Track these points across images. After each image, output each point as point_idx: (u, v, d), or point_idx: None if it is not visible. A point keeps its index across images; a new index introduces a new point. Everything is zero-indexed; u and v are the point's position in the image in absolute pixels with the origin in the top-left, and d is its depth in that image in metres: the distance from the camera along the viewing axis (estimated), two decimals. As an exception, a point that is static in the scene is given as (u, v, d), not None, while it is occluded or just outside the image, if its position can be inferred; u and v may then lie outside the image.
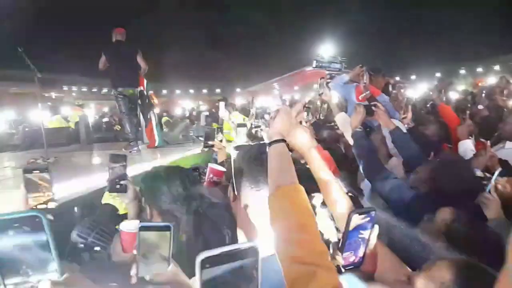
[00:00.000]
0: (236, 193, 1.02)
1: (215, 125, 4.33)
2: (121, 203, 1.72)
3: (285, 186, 0.84)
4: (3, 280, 0.66)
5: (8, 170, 4.44)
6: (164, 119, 6.72)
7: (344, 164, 2.62)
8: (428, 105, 6.11)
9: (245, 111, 8.60)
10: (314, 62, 4.68)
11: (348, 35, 25.11)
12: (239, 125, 3.36)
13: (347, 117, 2.53)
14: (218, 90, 33.49)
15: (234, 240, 1.08)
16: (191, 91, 34.19)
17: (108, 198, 1.76)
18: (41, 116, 5.14)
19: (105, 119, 11.31)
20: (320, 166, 1.07)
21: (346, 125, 2.33)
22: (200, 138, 4.82)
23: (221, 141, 2.85)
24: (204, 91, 34.02)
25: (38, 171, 1.04)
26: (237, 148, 1.10)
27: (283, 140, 0.97)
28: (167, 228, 0.80)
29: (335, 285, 0.70)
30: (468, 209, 1.45)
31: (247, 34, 41.34)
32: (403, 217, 1.54)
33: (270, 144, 0.96)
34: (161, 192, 1.33)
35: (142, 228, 0.79)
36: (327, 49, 17.52)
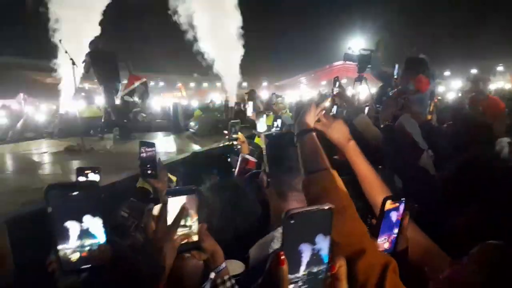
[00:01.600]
0: (269, 180, 1.05)
1: None
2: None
3: (319, 172, 0.86)
4: (57, 244, 0.72)
5: (46, 156, 4.70)
6: (196, 112, 6.85)
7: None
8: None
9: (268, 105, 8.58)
10: (345, 55, 4.57)
11: (379, 29, 24.45)
12: (259, 113, 3.39)
13: (367, 118, 2.42)
14: (244, 84, 33.62)
15: (266, 229, 1.10)
16: (218, 84, 34.49)
17: (142, 182, 1.84)
18: (76, 106, 5.37)
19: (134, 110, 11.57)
20: (359, 158, 1.07)
21: (368, 127, 2.22)
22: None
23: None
24: (231, 84, 34.22)
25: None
26: (269, 136, 1.12)
27: (312, 130, 0.99)
28: (192, 192, 0.86)
29: (388, 260, 0.71)
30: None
31: (274, 28, 41.08)
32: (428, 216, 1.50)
33: (301, 133, 0.99)
34: (198, 179, 1.38)
35: (169, 194, 0.84)
36: (357, 42, 16.99)
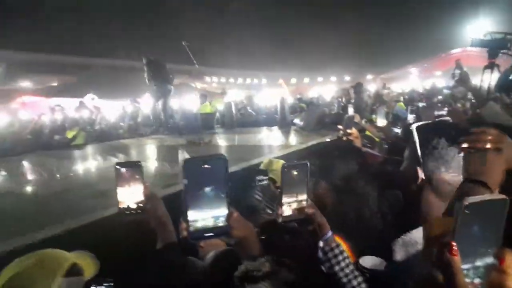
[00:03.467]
0: (424, 174, 1.01)
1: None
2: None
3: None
4: (187, 212, 0.82)
5: (170, 148, 5.36)
6: (301, 106, 6.95)
7: None
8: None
9: (379, 97, 8.15)
10: (473, 40, 4.08)
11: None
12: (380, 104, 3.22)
13: (497, 107, 2.08)
14: (347, 78, 32.44)
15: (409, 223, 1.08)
16: (320, 79, 34.04)
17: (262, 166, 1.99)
18: (196, 104, 5.97)
19: (241, 106, 12.25)
20: None
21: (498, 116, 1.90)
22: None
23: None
24: (333, 78, 33.37)
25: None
26: (421, 127, 1.08)
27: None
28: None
29: None
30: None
31: (378, 15, 38.30)
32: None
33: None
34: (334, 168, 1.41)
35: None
36: (481, 25, 14.72)
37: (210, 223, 0.84)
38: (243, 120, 8.01)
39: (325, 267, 1.02)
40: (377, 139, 3.35)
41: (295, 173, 0.98)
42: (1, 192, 3.22)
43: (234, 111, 7.50)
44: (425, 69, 23.44)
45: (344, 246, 1.06)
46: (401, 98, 5.45)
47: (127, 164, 1.03)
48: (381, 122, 3.04)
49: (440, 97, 9.54)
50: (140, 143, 6.04)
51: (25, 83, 21.98)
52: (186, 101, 9.23)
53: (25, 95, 13.64)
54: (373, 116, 4.83)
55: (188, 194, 0.81)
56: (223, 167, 0.83)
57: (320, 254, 1.03)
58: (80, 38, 27.68)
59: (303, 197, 1.00)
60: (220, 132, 6.84)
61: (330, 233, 1.04)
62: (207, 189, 0.82)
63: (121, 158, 4.81)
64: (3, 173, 4.27)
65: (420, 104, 5.47)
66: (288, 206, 0.99)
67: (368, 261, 1.13)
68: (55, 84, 16.70)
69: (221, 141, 5.73)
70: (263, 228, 1.23)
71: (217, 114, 7.93)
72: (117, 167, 1.01)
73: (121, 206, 1.01)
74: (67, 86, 14.57)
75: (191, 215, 0.82)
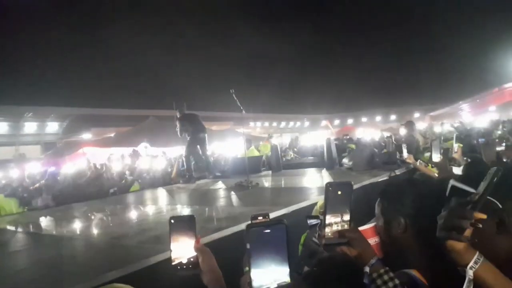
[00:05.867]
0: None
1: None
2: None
3: None
4: (251, 278, 0.82)
5: (221, 191, 5.45)
6: (351, 146, 6.86)
7: None
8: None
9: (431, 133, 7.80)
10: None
11: None
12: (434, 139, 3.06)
13: None
14: (393, 117, 31.64)
15: None
16: (364, 119, 33.55)
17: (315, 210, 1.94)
18: (244, 148, 6.11)
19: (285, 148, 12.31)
20: None
21: None
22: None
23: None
24: (378, 118, 32.72)
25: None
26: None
27: None
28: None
29: None
30: None
31: (428, 48, 37.60)
32: None
33: None
34: None
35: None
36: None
37: (272, 286, 0.84)
38: (290, 163, 8.01)
39: None
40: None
41: (339, 192, 0.99)
42: (62, 239, 3.43)
43: (280, 153, 7.54)
44: (477, 104, 22.19)
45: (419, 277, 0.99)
46: (454, 136, 5.15)
47: (181, 218, 1.06)
48: (436, 158, 2.84)
49: (499, 132, 8.93)
50: (190, 187, 6.22)
51: (86, 135, 24.09)
52: (232, 145, 9.49)
53: (85, 146, 14.79)
54: (426, 155, 4.60)
55: (251, 258, 0.83)
56: (283, 231, 0.84)
57: (366, 281, 0.99)
58: (133, 93, 30.51)
59: (347, 217, 1.01)
60: (267, 175, 6.86)
61: (376, 258, 1.00)
62: (269, 253, 0.83)
63: (174, 202, 4.97)
64: (62, 220, 4.56)
65: (480, 140, 5.14)
66: (331, 228, 1.00)
67: None
68: (112, 135, 18.02)
69: (269, 184, 5.73)
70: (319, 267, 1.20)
71: (263, 158, 8.02)
72: (172, 221, 1.04)
73: (174, 262, 1.03)
74: (123, 136, 15.63)
75: (254, 277, 0.83)
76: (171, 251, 1.03)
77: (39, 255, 2.86)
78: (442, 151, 3.20)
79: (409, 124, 6.35)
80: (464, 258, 0.85)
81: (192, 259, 1.03)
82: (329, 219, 1.00)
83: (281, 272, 0.84)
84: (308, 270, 1.34)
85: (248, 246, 0.82)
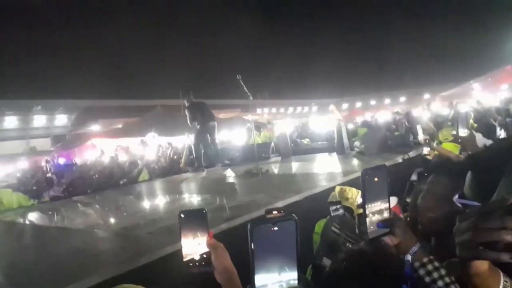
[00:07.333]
0: None
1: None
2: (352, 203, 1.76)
3: None
4: (254, 280, 0.74)
5: (231, 179, 5.40)
6: (361, 130, 6.72)
7: None
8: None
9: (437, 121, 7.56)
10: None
11: None
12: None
13: None
14: (402, 99, 31.11)
15: None
16: (372, 102, 33.07)
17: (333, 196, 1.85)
18: (253, 134, 6.03)
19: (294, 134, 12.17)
20: None
21: None
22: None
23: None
24: (387, 100, 32.20)
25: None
26: None
27: None
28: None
29: None
30: None
31: (436, 25, 36.62)
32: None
33: None
34: None
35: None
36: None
37: None
38: (299, 148, 7.90)
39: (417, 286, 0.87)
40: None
41: (376, 179, 0.89)
42: (75, 230, 3.43)
43: (288, 139, 7.44)
44: (489, 83, 21.59)
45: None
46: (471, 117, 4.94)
47: (192, 212, 0.97)
48: (463, 132, 2.61)
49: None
50: (199, 176, 6.18)
51: (94, 127, 24.26)
52: (240, 133, 9.42)
53: (94, 137, 14.88)
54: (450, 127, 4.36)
55: (255, 259, 0.75)
56: (293, 228, 0.76)
57: (408, 271, 0.89)
58: (140, 83, 30.55)
59: (386, 204, 0.92)
60: (276, 161, 6.78)
61: (418, 245, 0.91)
62: (276, 254, 0.76)
63: (184, 192, 4.94)
64: (73, 211, 4.57)
65: (508, 119, 4.95)
66: (373, 217, 0.90)
67: None
68: (120, 125, 18.09)
69: (278, 170, 5.65)
70: (349, 261, 1.11)
71: (272, 144, 7.92)
72: (182, 215, 0.95)
73: (186, 259, 0.95)
74: (131, 126, 15.67)
75: (259, 280, 0.75)
76: (182, 247, 0.95)
77: (51, 249, 2.87)
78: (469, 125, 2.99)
79: (408, 115, 6.22)
80: (489, 282, 0.66)
81: (204, 256, 0.95)
82: (369, 208, 0.90)
83: (289, 275, 0.76)
84: (334, 264, 1.25)
85: (252, 246, 0.74)
